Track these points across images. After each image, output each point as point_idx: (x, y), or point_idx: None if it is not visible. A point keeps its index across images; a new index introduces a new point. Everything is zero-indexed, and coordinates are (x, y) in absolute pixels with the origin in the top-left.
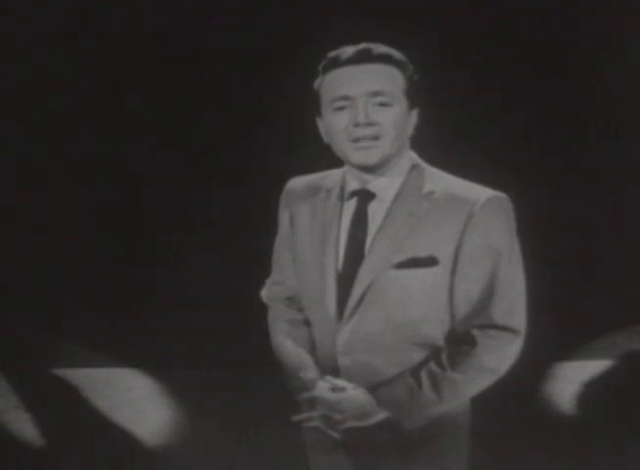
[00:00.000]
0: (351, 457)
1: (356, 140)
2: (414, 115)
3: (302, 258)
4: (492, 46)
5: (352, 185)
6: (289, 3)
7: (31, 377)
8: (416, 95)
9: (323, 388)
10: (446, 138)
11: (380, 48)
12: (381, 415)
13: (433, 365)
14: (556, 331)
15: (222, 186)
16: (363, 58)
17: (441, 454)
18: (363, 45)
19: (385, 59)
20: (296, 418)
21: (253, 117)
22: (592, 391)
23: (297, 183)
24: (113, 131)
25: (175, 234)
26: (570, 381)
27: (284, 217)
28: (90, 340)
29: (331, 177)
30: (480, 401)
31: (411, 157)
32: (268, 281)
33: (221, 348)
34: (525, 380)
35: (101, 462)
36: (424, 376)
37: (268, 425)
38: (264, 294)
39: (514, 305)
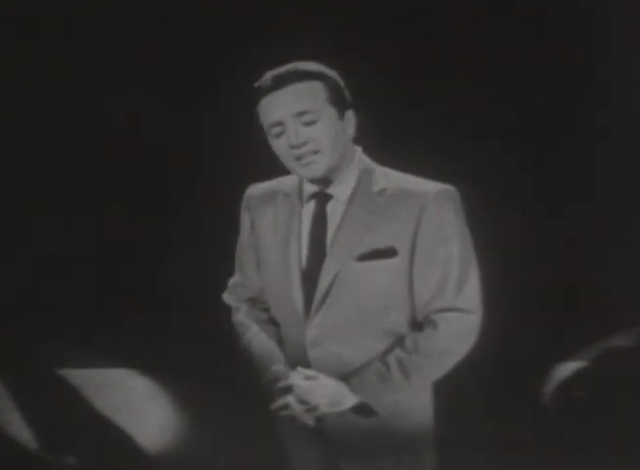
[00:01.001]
0: (326, 449)
1: (298, 158)
2: (350, 117)
3: (267, 259)
4: (451, 39)
5: (310, 188)
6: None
7: (30, 377)
8: (343, 101)
9: (296, 377)
10: (397, 135)
11: (292, 67)
12: (353, 400)
13: (399, 351)
14: (555, 331)
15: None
16: (282, 82)
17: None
18: (279, 70)
19: (302, 76)
20: (273, 406)
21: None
22: (591, 391)
23: (255, 189)
24: (105, 133)
25: (175, 234)
26: (568, 381)
27: (245, 222)
28: (90, 340)
29: (286, 183)
30: (479, 402)
31: (361, 158)
32: (230, 283)
33: (221, 348)
34: (525, 380)
35: (100, 462)
36: (392, 361)
37: (269, 425)
38: (226, 296)
39: (469, 288)
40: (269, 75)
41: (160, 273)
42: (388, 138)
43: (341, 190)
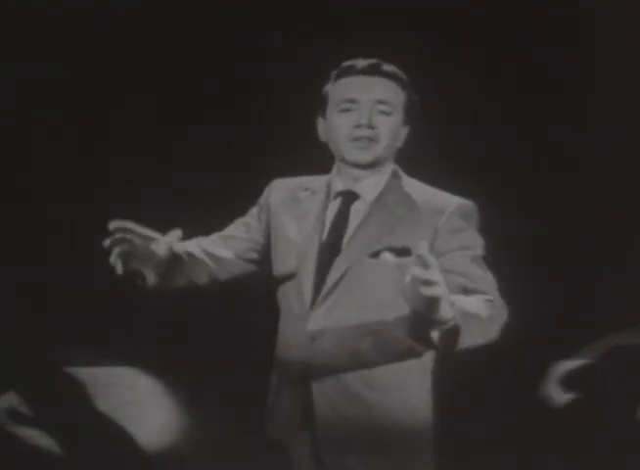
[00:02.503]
0: (320, 447)
1: (355, 140)
2: (405, 130)
3: (285, 250)
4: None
5: (338, 187)
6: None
7: (32, 376)
8: (411, 114)
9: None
10: (425, 155)
11: (389, 66)
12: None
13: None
14: (555, 331)
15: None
16: (374, 71)
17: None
18: (374, 60)
19: (391, 76)
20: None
21: (244, 117)
22: (589, 389)
23: (280, 182)
24: (108, 127)
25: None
26: (568, 379)
27: (262, 205)
28: (92, 339)
29: (315, 182)
30: (479, 401)
31: (392, 166)
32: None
33: (221, 347)
34: (525, 380)
35: (102, 461)
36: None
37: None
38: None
39: (486, 291)
40: (362, 61)
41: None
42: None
43: (369, 190)
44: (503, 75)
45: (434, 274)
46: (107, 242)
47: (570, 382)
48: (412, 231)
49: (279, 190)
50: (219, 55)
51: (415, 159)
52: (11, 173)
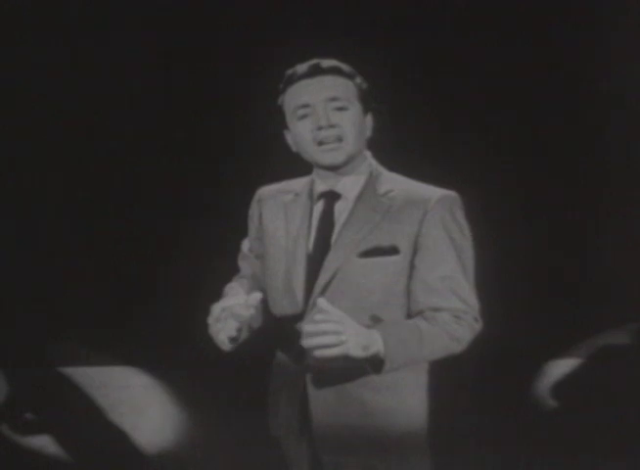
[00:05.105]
0: (316, 447)
1: (322, 143)
2: (369, 118)
3: (274, 253)
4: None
5: (320, 188)
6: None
7: (28, 375)
8: (367, 101)
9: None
10: (403, 143)
11: (329, 62)
12: (375, 350)
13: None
14: (555, 331)
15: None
16: (316, 71)
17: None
18: (314, 61)
19: (334, 71)
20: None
21: (228, 128)
22: (585, 387)
23: (266, 189)
24: (108, 133)
25: (175, 233)
26: (564, 378)
27: (254, 216)
28: (88, 338)
29: (297, 184)
30: (475, 401)
31: (370, 162)
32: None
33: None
34: (525, 380)
35: (98, 460)
36: (421, 324)
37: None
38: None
39: (465, 290)
40: (302, 65)
41: (160, 273)
42: (389, 144)
43: (350, 188)
44: (501, 73)
45: (330, 338)
46: (217, 327)
47: (565, 382)
48: (397, 226)
49: (266, 199)
50: (219, 55)
51: (396, 153)
52: (11, 173)
